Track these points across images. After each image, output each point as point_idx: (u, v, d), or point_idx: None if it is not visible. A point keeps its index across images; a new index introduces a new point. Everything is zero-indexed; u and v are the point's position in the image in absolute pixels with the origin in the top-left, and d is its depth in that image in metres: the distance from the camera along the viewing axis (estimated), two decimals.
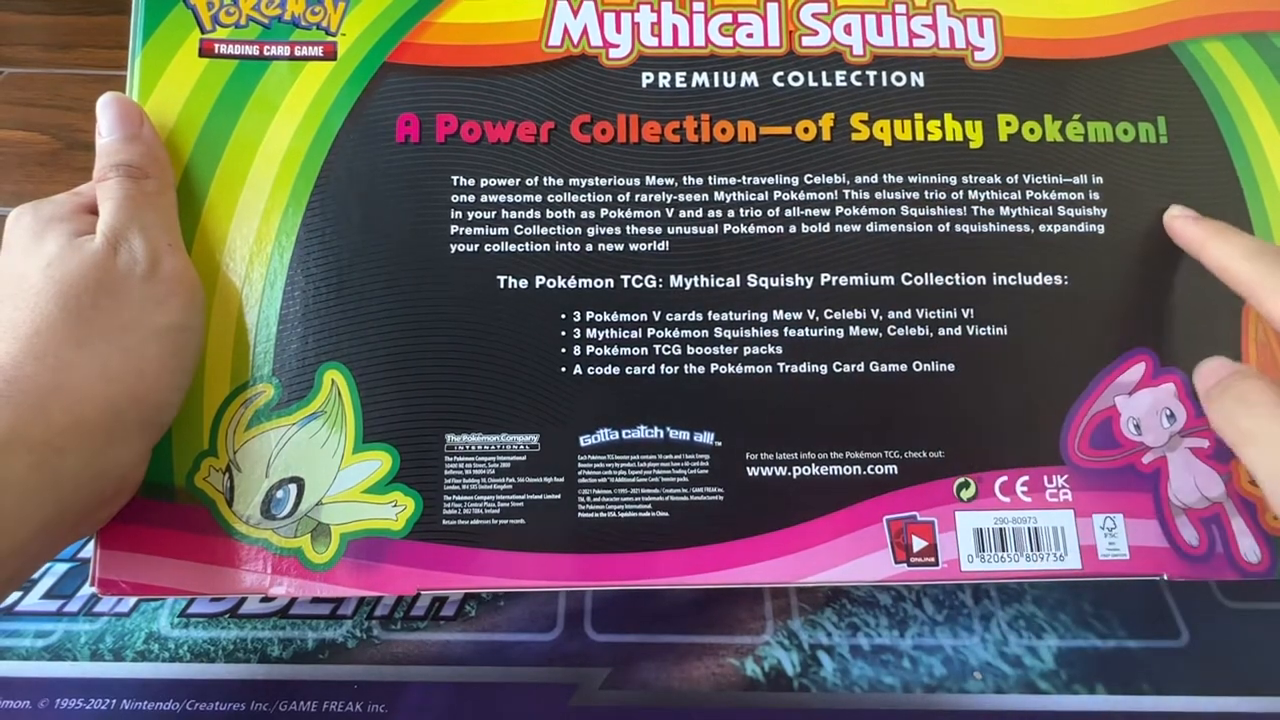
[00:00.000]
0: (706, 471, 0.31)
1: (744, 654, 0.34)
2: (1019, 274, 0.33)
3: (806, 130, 0.33)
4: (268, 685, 0.32)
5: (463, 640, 0.34)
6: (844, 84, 0.34)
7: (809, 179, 0.33)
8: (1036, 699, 0.33)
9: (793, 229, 0.33)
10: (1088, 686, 0.33)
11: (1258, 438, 0.27)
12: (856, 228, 0.33)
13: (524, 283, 0.32)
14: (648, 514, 0.31)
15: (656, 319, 0.32)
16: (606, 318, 0.32)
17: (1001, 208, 0.33)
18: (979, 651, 0.34)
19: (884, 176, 0.33)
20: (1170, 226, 0.32)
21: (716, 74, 0.34)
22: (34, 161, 0.45)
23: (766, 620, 0.34)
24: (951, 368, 0.32)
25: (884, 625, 0.34)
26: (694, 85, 0.34)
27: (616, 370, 0.32)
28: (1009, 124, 0.34)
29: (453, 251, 0.32)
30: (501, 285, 0.32)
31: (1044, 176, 0.33)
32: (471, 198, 0.32)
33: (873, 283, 0.32)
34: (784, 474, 0.31)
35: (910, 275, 0.32)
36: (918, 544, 0.31)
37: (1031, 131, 0.34)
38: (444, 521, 0.31)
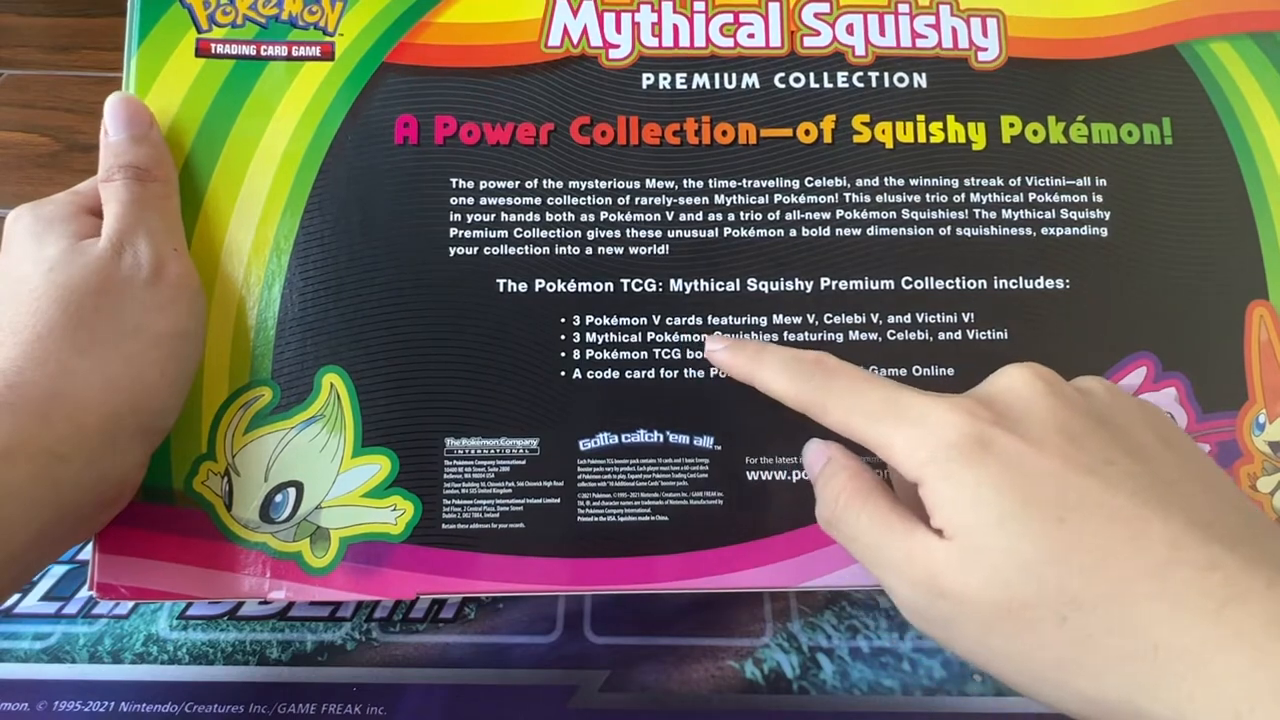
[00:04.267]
0: (706, 475, 0.31)
1: (743, 656, 0.33)
2: (1020, 278, 0.32)
3: (808, 132, 0.33)
4: (266, 687, 0.32)
5: (462, 642, 0.34)
6: (846, 85, 0.34)
7: (810, 182, 0.33)
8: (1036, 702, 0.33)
9: (793, 232, 0.32)
10: None
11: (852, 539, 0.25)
12: (857, 231, 0.33)
13: (523, 286, 0.32)
14: (647, 518, 0.31)
15: (656, 322, 0.32)
16: (606, 321, 0.32)
17: (1004, 210, 0.33)
18: None
19: (885, 179, 0.33)
20: (713, 362, 0.30)
21: (717, 75, 0.33)
22: (34, 163, 0.45)
23: (766, 623, 0.34)
24: (952, 372, 0.32)
25: (884, 628, 0.34)
26: (694, 86, 0.33)
27: (616, 374, 0.32)
28: (1012, 125, 0.33)
29: (451, 254, 0.32)
30: (501, 288, 0.32)
31: (1047, 179, 0.33)
32: (470, 200, 0.32)
33: (873, 287, 0.32)
34: (784, 478, 0.31)
35: (911, 279, 0.32)
36: None
37: (1035, 133, 0.33)
38: (443, 525, 0.30)
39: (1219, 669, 0.18)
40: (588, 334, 0.32)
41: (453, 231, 0.32)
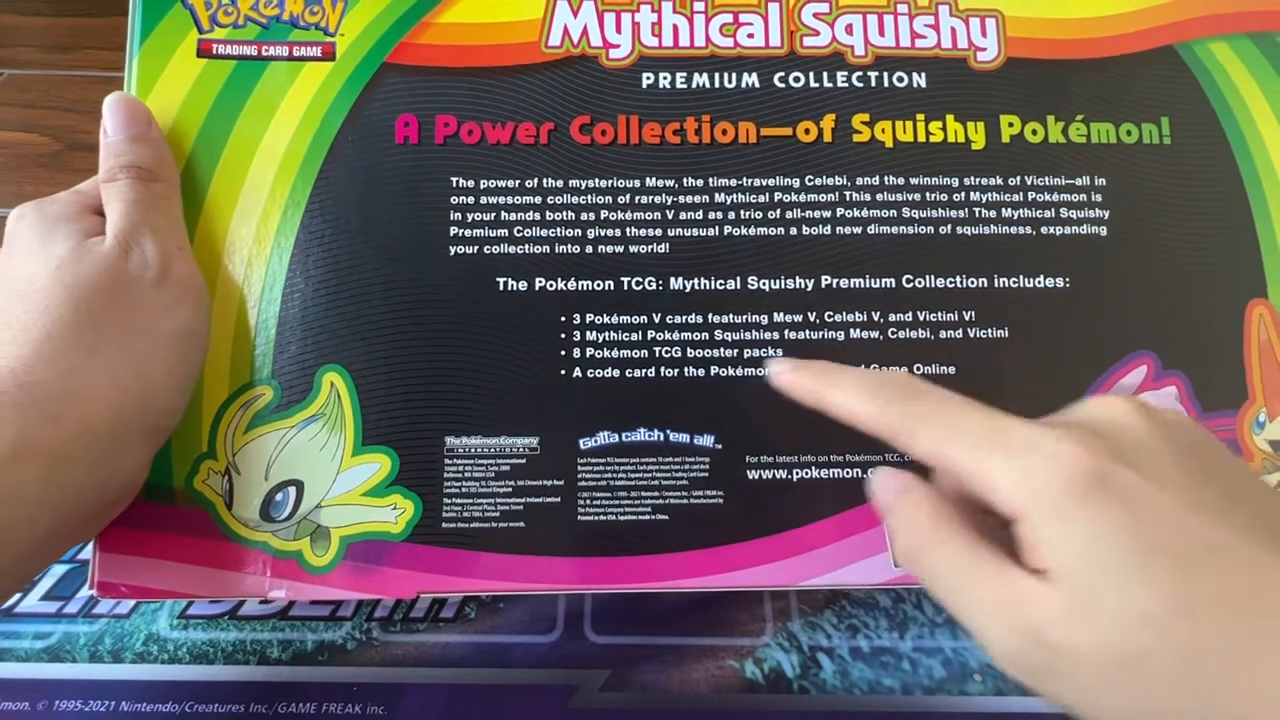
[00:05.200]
0: (707, 474, 0.31)
1: (744, 656, 0.33)
2: (1020, 276, 0.32)
3: (808, 131, 0.33)
4: (267, 687, 0.32)
5: (462, 642, 0.34)
6: (845, 85, 0.34)
7: (810, 180, 0.33)
8: (1036, 701, 0.32)
9: (793, 231, 0.33)
10: None
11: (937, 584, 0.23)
12: (857, 229, 0.33)
13: (523, 284, 0.32)
14: (648, 517, 0.31)
15: (656, 321, 0.32)
16: (606, 320, 0.32)
17: (1003, 209, 0.33)
18: (979, 653, 0.34)
19: (885, 178, 0.33)
20: (777, 385, 0.26)
21: (717, 75, 0.34)
22: (35, 163, 0.45)
23: (766, 622, 0.34)
24: (952, 370, 0.32)
25: (884, 627, 0.34)
26: (694, 86, 0.33)
27: (616, 372, 0.32)
28: (1011, 125, 0.33)
29: (452, 253, 0.32)
30: (501, 287, 0.32)
31: (1046, 178, 0.33)
32: (471, 199, 0.32)
33: (873, 285, 0.32)
34: (784, 477, 0.31)
35: (911, 277, 0.32)
36: None
37: (1034, 133, 0.33)
38: (443, 524, 0.30)
39: None
40: (588, 332, 0.32)
41: (453, 231, 0.32)
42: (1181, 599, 0.19)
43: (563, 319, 0.32)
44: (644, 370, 0.32)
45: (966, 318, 0.32)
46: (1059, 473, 0.20)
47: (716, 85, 0.33)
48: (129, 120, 0.31)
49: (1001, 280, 0.32)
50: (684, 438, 0.31)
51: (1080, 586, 0.20)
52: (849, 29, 0.34)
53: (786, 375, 0.26)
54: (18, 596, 0.34)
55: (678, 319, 0.32)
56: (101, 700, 0.32)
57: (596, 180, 0.33)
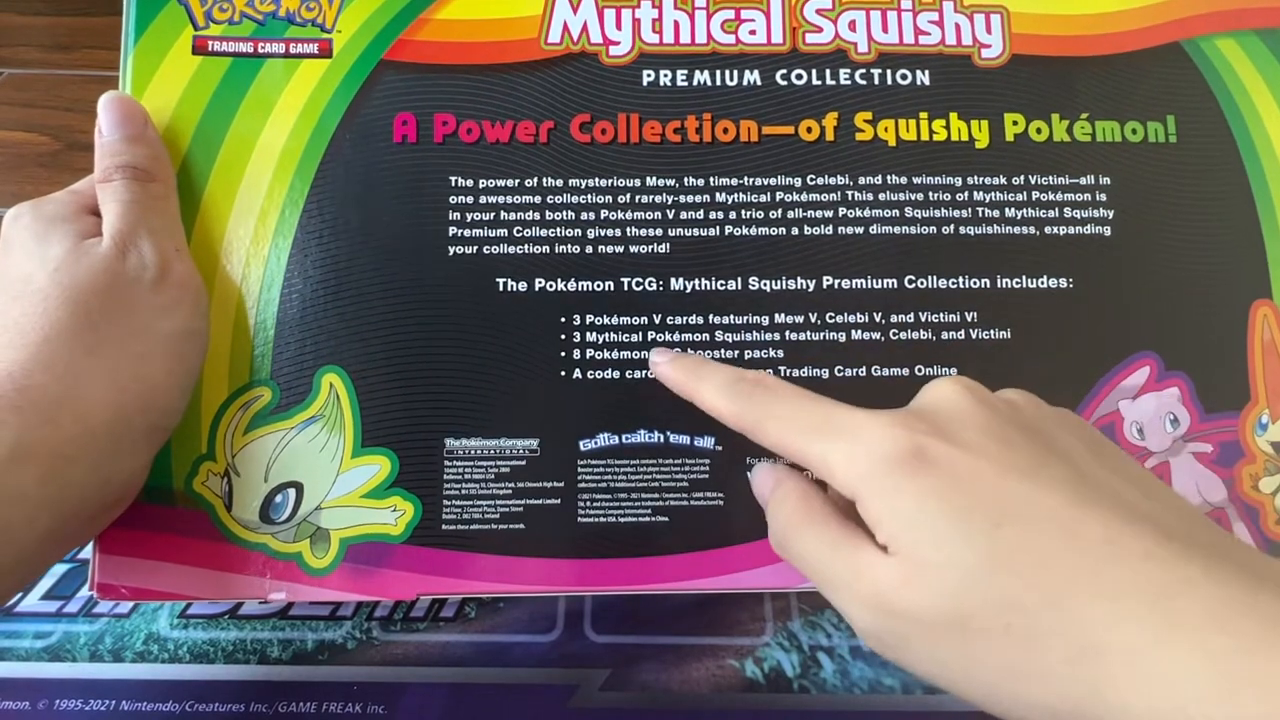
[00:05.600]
0: (707, 476, 0.31)
1: (744, 655, 0.33)
2: (1023, 277, 0.32)
3: (810, 130, 0.33)
4: (267, 686, 0.32)
5: (462, 641, 0.34)
6: (848, 82, 0.33)
7: (812, 180, 0.33)
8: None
9: (795, 231, 0.32)
10: None
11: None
12: (859, 229, 0.32)
13: (523, 285, 0.32)
14: (648, 519, 0.31)
15: (657, 322, 0.32)
16: (606, 320, 0.32)
17: (1007, 209, 0.33)
18: None
19: (888, 177, 0.33)
20: (655, 374, 0.28)
21: (718, 72, 0.33)
22: (34, 162, 0.45)
23: (766, 622, 0.34)
24: (954, 371, 0.32)
25: None
26: (695, 84, 0.33)
27: (616, 374, 0.31)
28: (1015, 123, 0.33)
29: (451, 254, 0.32)
30: (500, 288, 0.32)
31: (1050, 177, 0.33)
32: (470, 199, 0.32)
33: (875, 285, 0.32)
34: None
35: (913, 278, 0.32)
36: None
37: (1039, 131, 0.33)
38: (443, 526, 0.30)
39: (1163, 667, 0.18)
40: (588, 333, 0.32)
41: (452, 230, 0.32)
42: (997, 556, 0.20)
43: (562, 320, 0.32)
44: (644, 371, 0.31)
45: (969, 319, 0.32)
46: (880, 452, 0.22)
47: (718, 83, 0.33)
48: (124, 120, 0.31)
49: (1004, 281, 0.32)
50: (684, 439, 0.31)
51: (911, 553, 0.21)
52: (852, 25, 0.34)
53: (662, 367, 0.28)
54: (17, 595, 0.34)
55: (678, 320, 0.32)
56: (102, 700, 0.32)
57: (596, 179, 0.32)
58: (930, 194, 0.33)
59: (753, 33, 0.34)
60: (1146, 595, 0.19)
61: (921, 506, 0.21)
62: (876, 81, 0.33)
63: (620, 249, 0.32)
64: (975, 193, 0.33)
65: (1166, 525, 0.20)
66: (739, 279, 0.32)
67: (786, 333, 0.32)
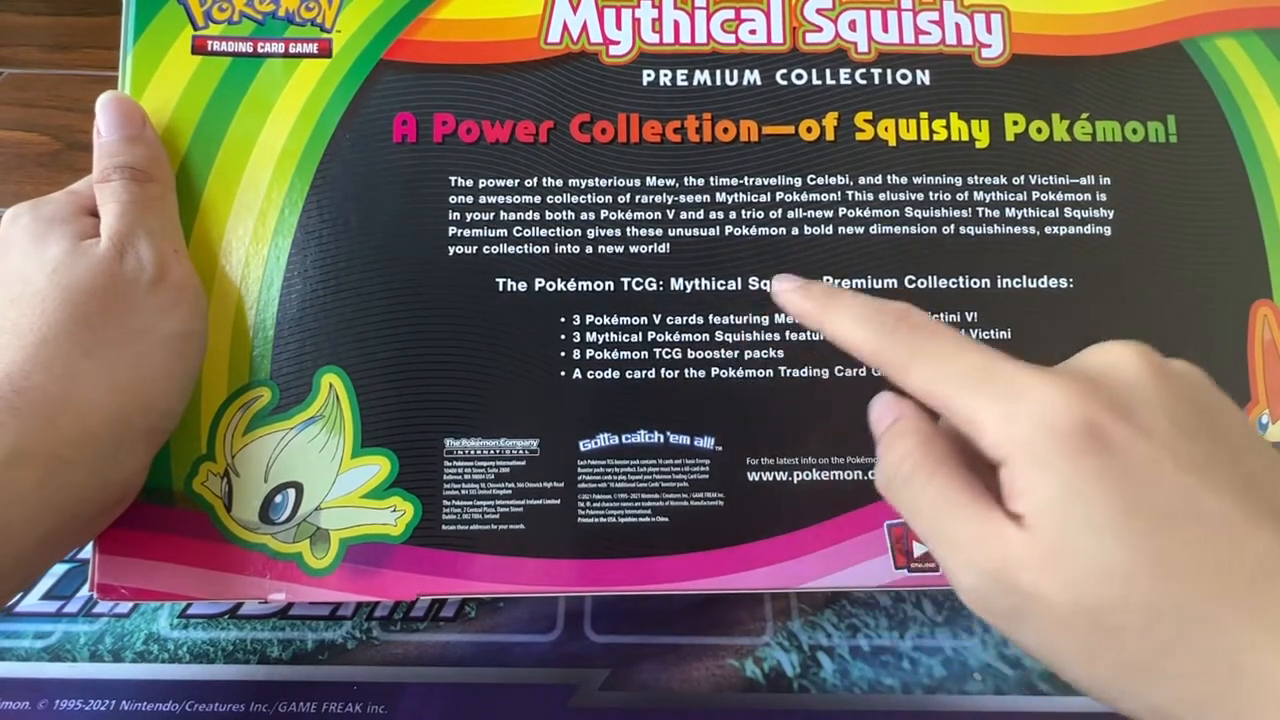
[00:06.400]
0: (707, 476, 0.31)
1: (744, 655, 0.34)
2: (1023, 276, 0.32)
3: (810, 130, 0.33)
4: (267, 686, 0.32)
5: (462, 641, 0.34)
6: (848, 82, 0.33)
7: (812, 180, 0.32)
8: (1036, 700, 0.33)
9: (795, 231, 0.32)
10: None
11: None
12: (859, 229, 0.32)
13: (523, 285, 0.32)
14: (648, 519, 0.31)
15: (657, 322, 0.32)
16: (606, 321, 0.32)
17: (1007, 209, 0.33)
18: (979, 653, 0.34)
19: (888, 177, 0.33)
20: (780, 302, 0.26)
21: (718, 72, 0.33)
22: (34, 162, 0.45)
23: (766, 621, 0.34)
24: None
25: (884, 626, 0.34)
26: (695, 83, 0.33)
27: (616, 374, 0.31)
28: (1016, 123, 0.33)
29: (451, 254, 0.32)
30: (500, 288, 0.32)
31: (1050, 177, 0.33)
32: (470, 199, 0.32)
33: (875, 285, 0.32)
34: (785, 479, 0.31)
35: (914, 278, 0.32)
36: (918, 549, 0.31)
37: (1039, 131, 0.33)
38: (443, 526, 0.30)
39: None
40: (588, 333, 0.32)
41: (452, 230, 0.32)
42: (1154, 557, 0.19)
43: (562, 320, 0.32)
44: (644, 372, 0.31)
45: (969, 318, 0.32)
46: (1045, 420, 0.20)
47: (718, 83, 0.33)
48: (123, 120, 0.30)
49: (1004, 281, 0.32)
50: (684, 440, 0.31)
51: (1055, 536, 0.20)
52: (852, 25, 0.34)
53: (789, 294, 0.26)
54: (18, 596, 0.34)
55: (678, 320, 0.32)
56: (101, 700, 0.32)
57: (596, 179, 0.32)
58: (930, 194, 0.33)
59: (753, 32, 0.34)
60: None
61: (1081, 489, 0.20)
62: (877, 81, 0.33)
63: (620, 249, 0.32)
64: (975, 192, 0.33)
65: None
66: (739, 279, 0.32)
67: (786, 333, 0.32)
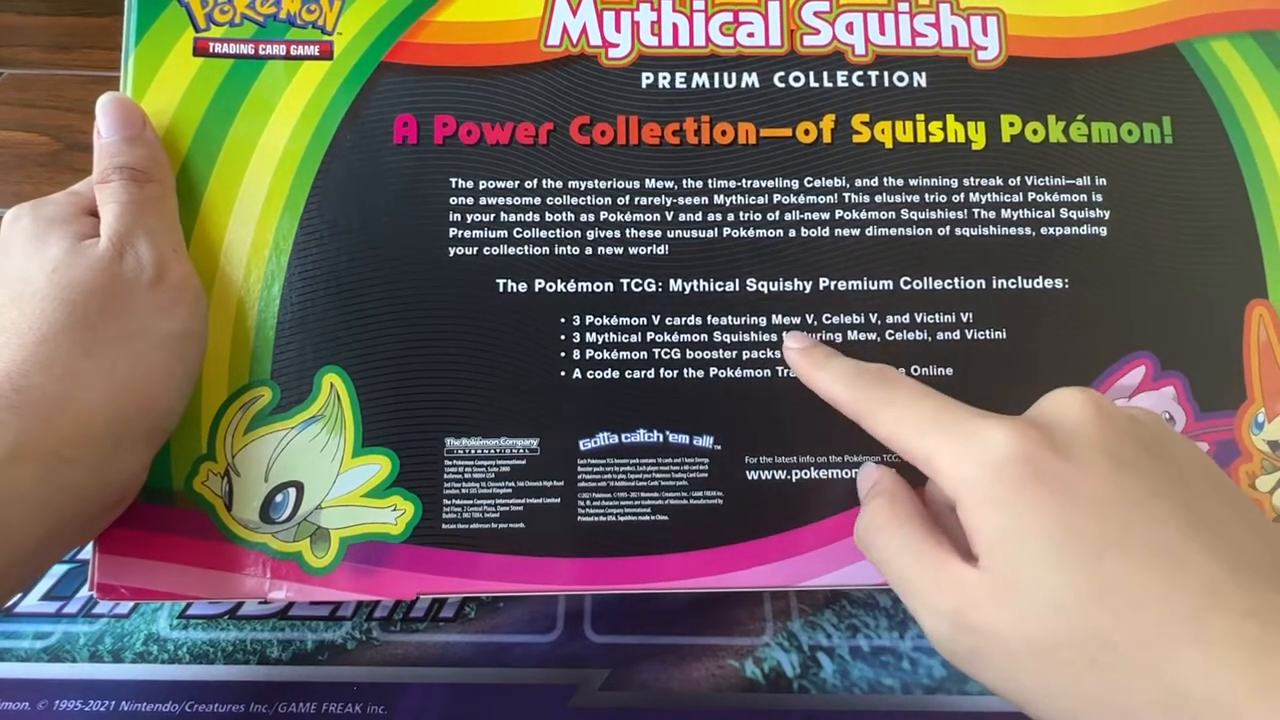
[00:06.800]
0: (706, 475, 0.31)
1: (744, 655, 0.34)
2: (1019, 277, 0.32)
3: (807, 132, 0.33)
4: (267, 686, 0.32)
5: (462, 642, 0.34)
6: (845, 84, 0.33)
7: (809, 182, 0.33)
8: None
9: (792, 233, 0.32)
10: None
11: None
12: (856, 231, 0.32)
13: (523, 286, 0.32)
14: (647, 517, 0.31)
15: (656, 322, 0.32)
16: (606, 321, 0.32)
17: (1003, 210, 0.33)
18: None
19: (884, 179, 0.33)
20: (786, 358, 0.31)
21: (717, 74, 0.33)
22: (34, 162, 0.45)
23: (766, 622, 0.34)
24: (950, 372, 0.32)
25: (884, 626, 0.34)
26: (694, 86, 0.33)
27: (616, 374, 0.32)
28: (1012, 125, 0.33)
29: (451, 255, 0.32)
30: (500, 289, 0.32)
31: (1046, 178, 0.33)
32: (470, 200, 0.32)
33: (872, 287, 0.32)
34: (784, 477, 0.31)
35: (910, 279, 0.32)
36: None
37: (1035, 132, 0.33)
38: (444, 526, 0.30)
39: None
40: (587, 334, 0.32)
41: (452, 232, 0.32)
42: (1096, 588, 0.20)
43: (562, 320, 0.32)
44: (643, 371, 0.32)
45: (965, 319, 0.32)
46: (989, 458, 0.21)
47: (716, 85, 0.33)
48: (123, 121, 0.31)
49: (1000, 281, 0.32)
50: (683, 439, 0.31)
51: (1002, 571, 0.21)
52: (849, 28, 0.34)
53: (792, 353, 0.30)
54: (18, 596, 0.34)
55: (677, 320, 0.32)
56: (101, 700, 0.32)
57: (596, 181, 0.32)
58: (927, 195, 0.33)
59: (751, 35, 0.34)
60: (1243, 653, 0.18)
61: (1022, 522, 0.20)
62: (874, 83, 0.34)
63: (619, 250, 0.32)
64: (972, 194, 0.33)
65: (1272, 573, 0.20)
66: (737, 280, 0.32)
67: (784, 333, 0.32)
